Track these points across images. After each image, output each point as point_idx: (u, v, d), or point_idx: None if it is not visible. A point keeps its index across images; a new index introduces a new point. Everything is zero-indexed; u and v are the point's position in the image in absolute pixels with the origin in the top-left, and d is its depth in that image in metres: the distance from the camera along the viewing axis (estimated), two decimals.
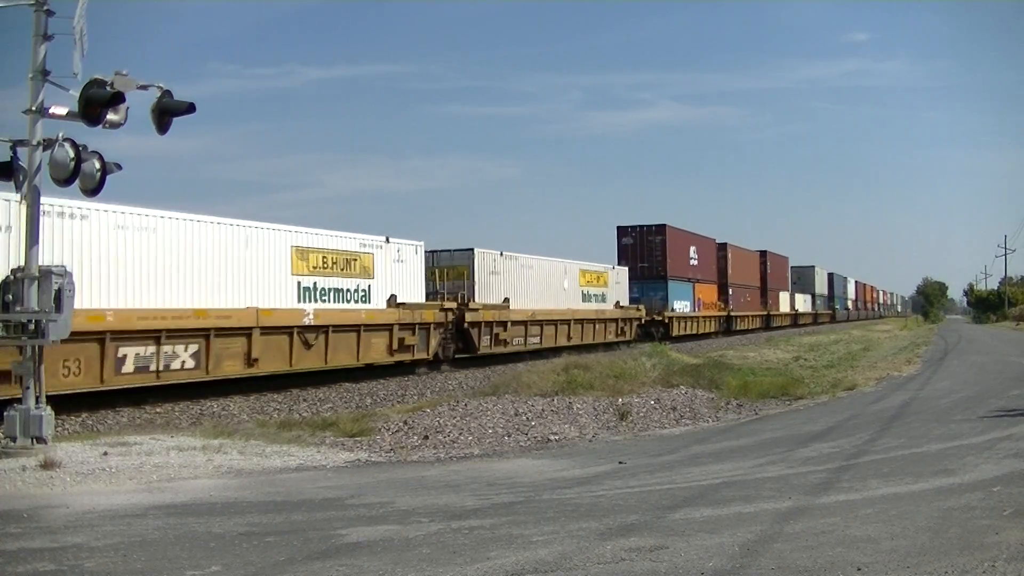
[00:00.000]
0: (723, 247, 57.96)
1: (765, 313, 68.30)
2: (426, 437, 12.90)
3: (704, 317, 52.39)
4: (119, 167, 10.90)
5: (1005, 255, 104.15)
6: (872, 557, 5.99)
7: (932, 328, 74.37)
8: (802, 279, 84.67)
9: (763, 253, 69.64)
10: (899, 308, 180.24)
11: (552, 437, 13.13)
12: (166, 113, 10.88)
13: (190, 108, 11.22)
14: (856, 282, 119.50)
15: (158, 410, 17.05)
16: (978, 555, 6.02)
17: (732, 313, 58.16)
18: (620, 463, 9.92)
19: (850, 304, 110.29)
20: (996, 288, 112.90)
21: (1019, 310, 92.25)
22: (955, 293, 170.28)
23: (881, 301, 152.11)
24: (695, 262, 51.16)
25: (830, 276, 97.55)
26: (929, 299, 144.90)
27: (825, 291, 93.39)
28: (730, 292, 58.21)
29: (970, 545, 6.30)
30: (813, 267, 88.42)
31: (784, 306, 74.74)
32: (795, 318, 78.26)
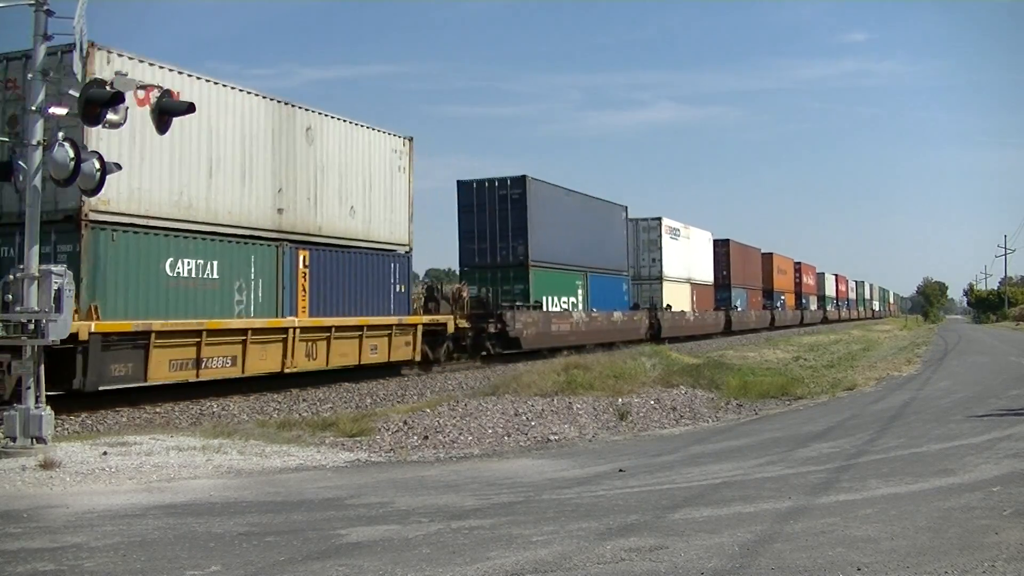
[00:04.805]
0: None
1: None
2: (426, 437, 12.90)
3: None
4: (119, 167, 10.91)
5: (1005, 255, 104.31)
6: (872, 557, 5.99)
7: (932, 328, 74.42)
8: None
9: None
10: (877, 306, 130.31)
11: (552, 437, 13.13)
12: (166, 113, 10.91)
13: (190, 108, 11.24)
14: (746, 248, 59.28)
15: (158, 410, 17.05)
16: (978, 555, 6.03)
17: None
18: (620, 471, 9.90)
19: (684, 302, 46.53)
20: (996, 288, 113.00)
21: (1019, 310, 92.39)
22: (955, 293, 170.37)
23: (833, 294, 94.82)
24: None
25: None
26: (929, 299, 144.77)
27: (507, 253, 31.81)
28: None
29: (970, 545, 6.31)
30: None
31: None
32: None
